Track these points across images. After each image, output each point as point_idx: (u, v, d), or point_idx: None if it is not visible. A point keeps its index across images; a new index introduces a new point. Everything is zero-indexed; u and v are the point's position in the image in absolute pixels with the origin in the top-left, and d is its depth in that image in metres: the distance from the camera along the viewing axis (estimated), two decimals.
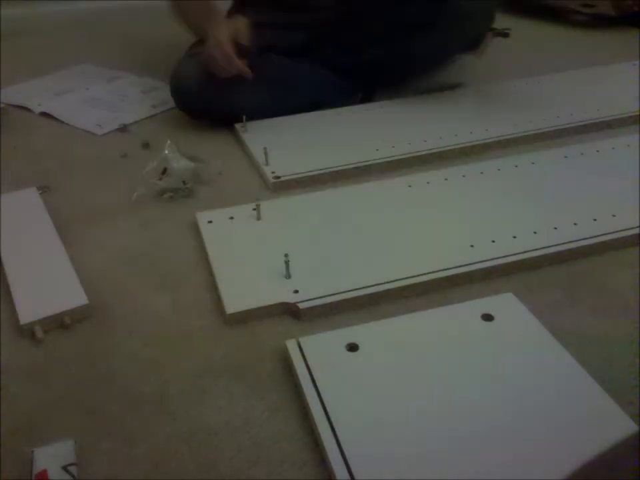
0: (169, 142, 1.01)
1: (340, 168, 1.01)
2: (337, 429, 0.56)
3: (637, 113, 1.14)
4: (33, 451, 0.56)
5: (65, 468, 0.54)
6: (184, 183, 0.98)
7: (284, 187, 0.98)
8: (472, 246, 0.80)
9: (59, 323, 0.71)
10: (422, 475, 0.52)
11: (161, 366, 0.66)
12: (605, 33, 1.67)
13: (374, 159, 1.02)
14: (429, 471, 0.52)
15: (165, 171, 1.00)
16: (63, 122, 1.25)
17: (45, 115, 1.29)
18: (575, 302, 0.73)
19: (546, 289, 0.75)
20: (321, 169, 1.00)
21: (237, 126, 1.16)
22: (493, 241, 0.80)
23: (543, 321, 0.69)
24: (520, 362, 0.63)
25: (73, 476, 0.54)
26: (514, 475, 0.51)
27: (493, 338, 0.65)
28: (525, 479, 0.51)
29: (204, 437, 0.58)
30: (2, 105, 1.30)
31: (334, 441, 0.55)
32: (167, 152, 0.99)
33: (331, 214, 0.89)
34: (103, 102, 1.35)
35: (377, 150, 1.05)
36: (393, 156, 1.03)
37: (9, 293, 0.75)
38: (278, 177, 0.98)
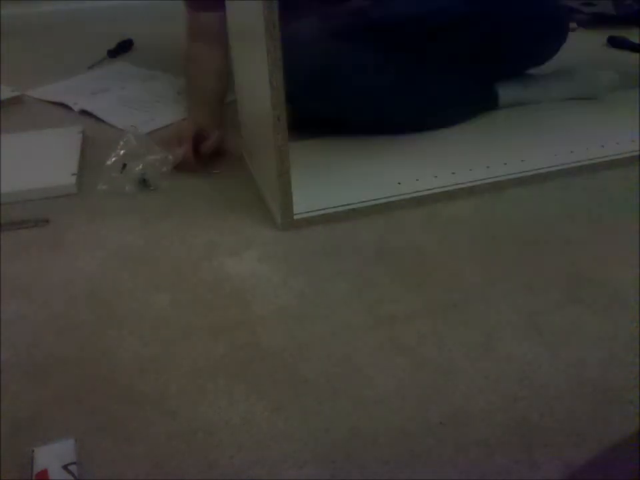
0: (127, 136, 1.01)
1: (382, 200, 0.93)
2: None
3: None
4: (33, 451, 0.56)
5: (65, 467, 0.54)
6: (144, 179, 0.98)
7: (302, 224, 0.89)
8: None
9: None
10: None
11: (161, 365, 0.66)
12: (604, 33, 1.67)
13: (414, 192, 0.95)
14: None
15: (124, 167, 0.99)
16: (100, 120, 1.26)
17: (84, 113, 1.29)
18: (574, 302, 0.73)
19: (546, 289, 0.75)
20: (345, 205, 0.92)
21: (245, 153, 1.08)
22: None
23: (542, 320, 0.70)
24: None
25: (74, 475, 0.54)
26: None
27: None
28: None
29: (204, 436, 0.58)
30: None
31: None
32: (121, 147, 1.00)
33: None
34: (139, 102, 1.33)
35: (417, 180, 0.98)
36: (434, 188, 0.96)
37: None
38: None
